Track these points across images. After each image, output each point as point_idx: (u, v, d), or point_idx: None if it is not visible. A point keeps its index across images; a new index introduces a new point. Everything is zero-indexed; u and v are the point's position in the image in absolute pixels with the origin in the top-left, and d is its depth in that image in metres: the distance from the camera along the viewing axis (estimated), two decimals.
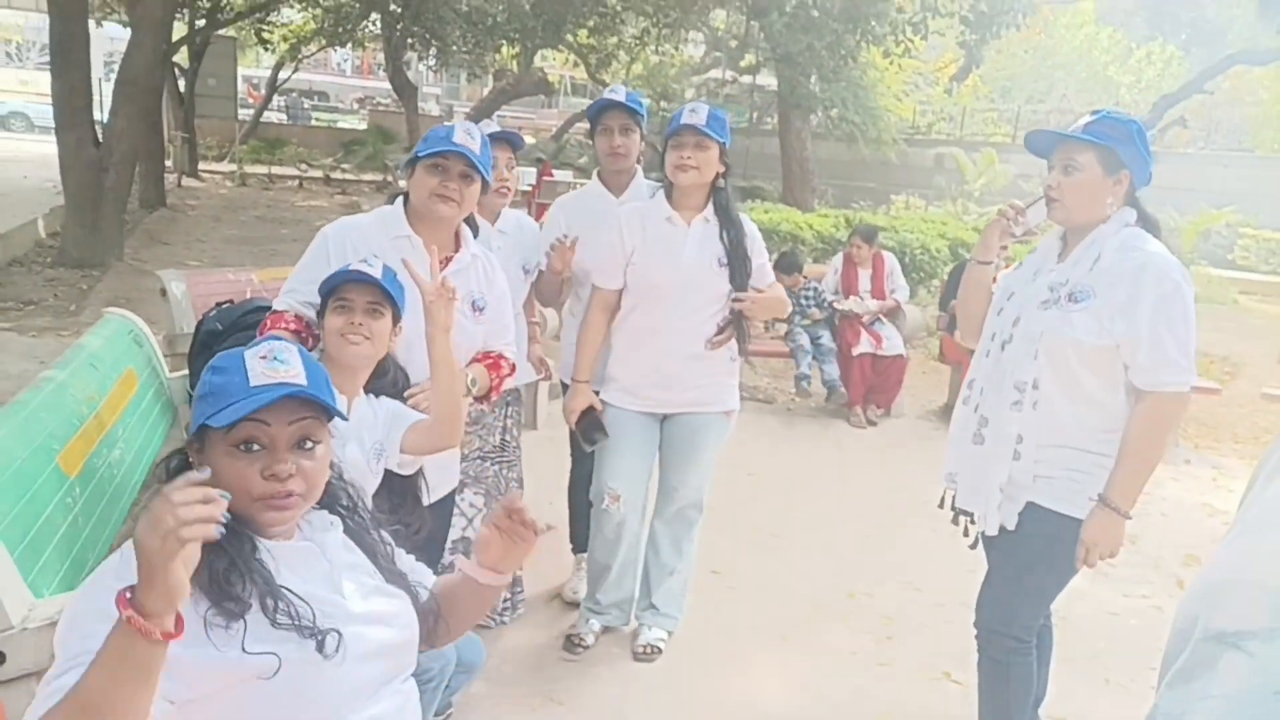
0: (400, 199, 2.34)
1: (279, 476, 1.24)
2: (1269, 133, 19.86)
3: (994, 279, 2.43)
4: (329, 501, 1.40)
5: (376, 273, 2.02)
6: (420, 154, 2.23)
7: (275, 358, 1.27)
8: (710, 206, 2.74)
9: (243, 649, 1.18)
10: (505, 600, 3.07)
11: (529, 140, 21.97)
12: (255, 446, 1.24)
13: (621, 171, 3.05)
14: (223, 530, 1.05)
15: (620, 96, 3.00)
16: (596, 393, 2.90)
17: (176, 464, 1.30)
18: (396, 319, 2.06)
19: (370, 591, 1.37)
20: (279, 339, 1.37)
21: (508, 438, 3.00)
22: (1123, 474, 2.11)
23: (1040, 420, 2.17)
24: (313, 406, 1.28)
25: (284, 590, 1.23)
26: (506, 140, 2.91)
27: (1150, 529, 4.41)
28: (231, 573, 1.20)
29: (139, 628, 0.99)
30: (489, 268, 2.41)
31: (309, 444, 1.29)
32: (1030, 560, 2.23)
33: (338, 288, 2.02)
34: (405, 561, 1.52)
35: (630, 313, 2.81)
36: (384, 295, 2.02)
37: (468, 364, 2.33)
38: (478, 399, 2.39)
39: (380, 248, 2.22)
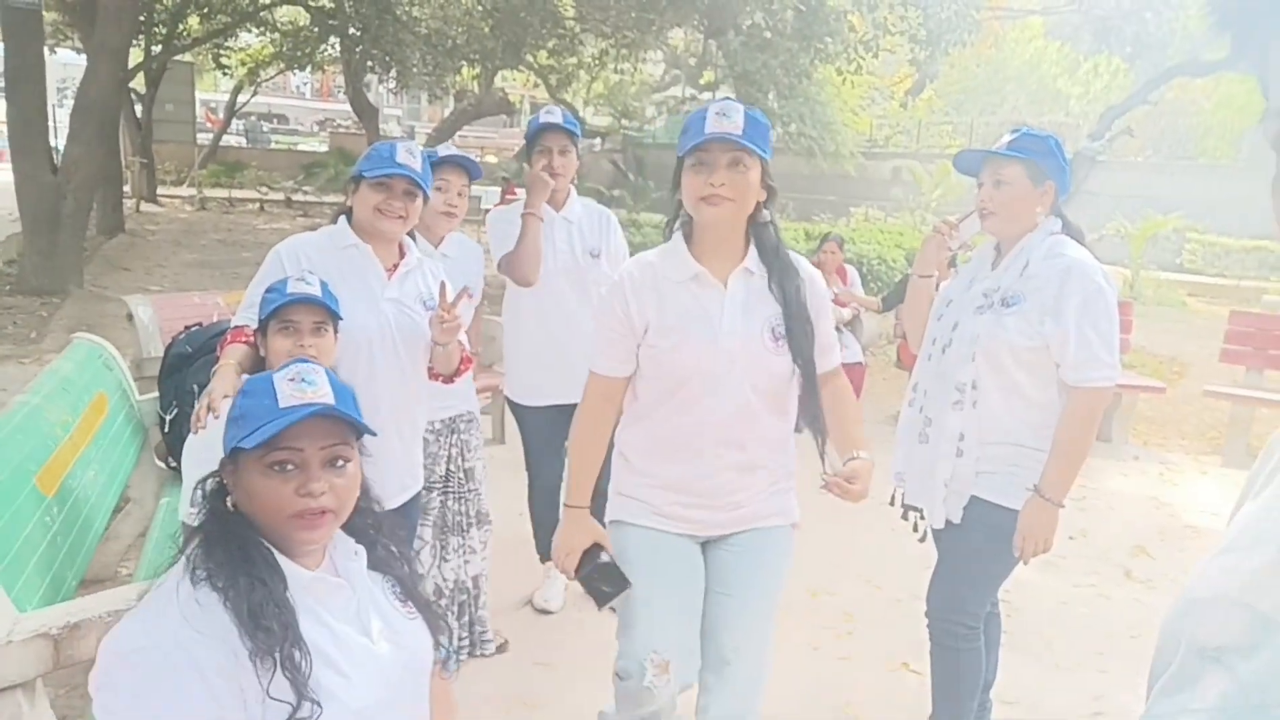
0: (344, 215, 2.44)
1: (313, 494, 1.29)
2: (1211, 141, 20.50)
3: (936, 288, 2.58)
4: (355, 525, 1.43)
5: (317, 290, 2.05)
6: (366, 174, 2.32)
7: (304, 379, 1.32)
8: (752, 251, 1.95)
9: (268, 693, 1.19)
10: (463, 639, 2.98)
11: (491, 159, 22.05)
12: (289, 467, 1.29)
13: (559, 190, 3.13)
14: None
15: (557, 118, 3.08)
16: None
17: (213, 486, 1.34)
18: (336, 331, 2.12)
19: (394, 627, 1.41)
20: (306, 362, 1.40)
21: (453, 467, 2.92)
22: (1055, 466, 2.24)
23: (980, 418, 2.30)
24: (342, 429, 1.34)
25: (301, 641, 1.24)
26: (462, 165, 2.84)
27: (1099, 522, 4.58)
28: (267, 605, 1.23)
29: None
30: (435, 271, 2.52)
31: (340, 463, 1.34)
32: (975, 550, 2.36)
33: (280, 310, 2.04)
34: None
35: (651, 411, 1.99)
36: (327, 312, 2.07)
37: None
38: (445, 379, 2.48)
39: (332, 258, 2.34)
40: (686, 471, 1.98)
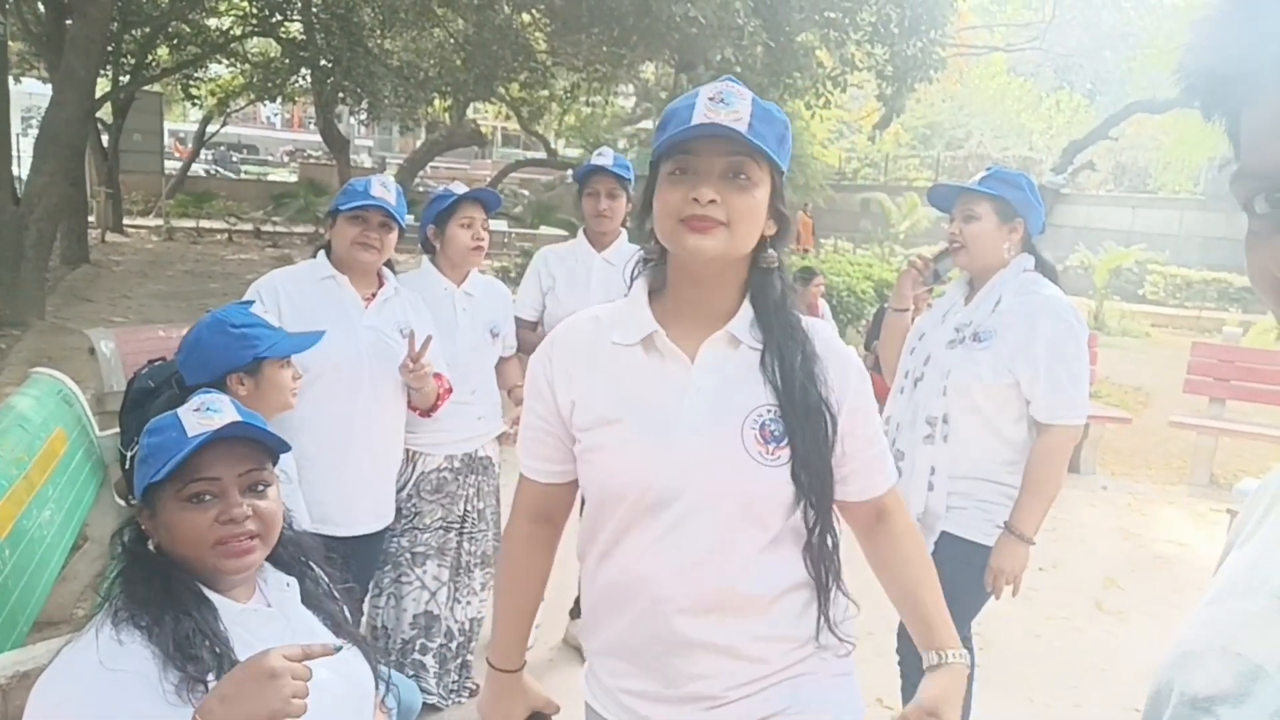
0: (323, 250, 2.52)
1: (236, 520, 1.27)
2: (1170, 175, 21.03)
3: (911, 322, 2.60)
4: (284, 557, 1.41)
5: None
6: (341, 208, 2.41)
7: (208, 408, 1.31)
8: (745, 310, 1.29)
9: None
10: (455, 683, 2.93)
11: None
12: (207, 497, 1.27)
13: (605, 233, 3.12)
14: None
15: (608, 161, 3.06)
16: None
17: (130, 537, 1.31)
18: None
19: (333, 658, 1.39)
20: (210, 392, 1.42)
21: (469, 508, 2.89)
22: (1026, 503, 2.25)
23: (951, 452, 2.31)
24: (258, 454, 1.32)
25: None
26: (481, 200, 2.82)
27: (1070, 553, 4.61)
28: (195, 636, 1.20)
29: None
30: (414, 302, 2.60)
31: (260, 487, 1.32)
32: (946, 586, 2.34)
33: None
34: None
35: (592, 540, 1.35)
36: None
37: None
38: (423, 412, 2.53)
39: (309, 290, 2.43)
40: (630, 632, 1.30)
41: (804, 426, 1.24)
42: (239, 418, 1.31)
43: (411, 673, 2.79)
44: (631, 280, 1.35)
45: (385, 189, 2.42)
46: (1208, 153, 16.47)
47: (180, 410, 1.32)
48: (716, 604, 1.26)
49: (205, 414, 1.30)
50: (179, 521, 1.26)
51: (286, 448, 1.38)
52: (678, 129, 1.20)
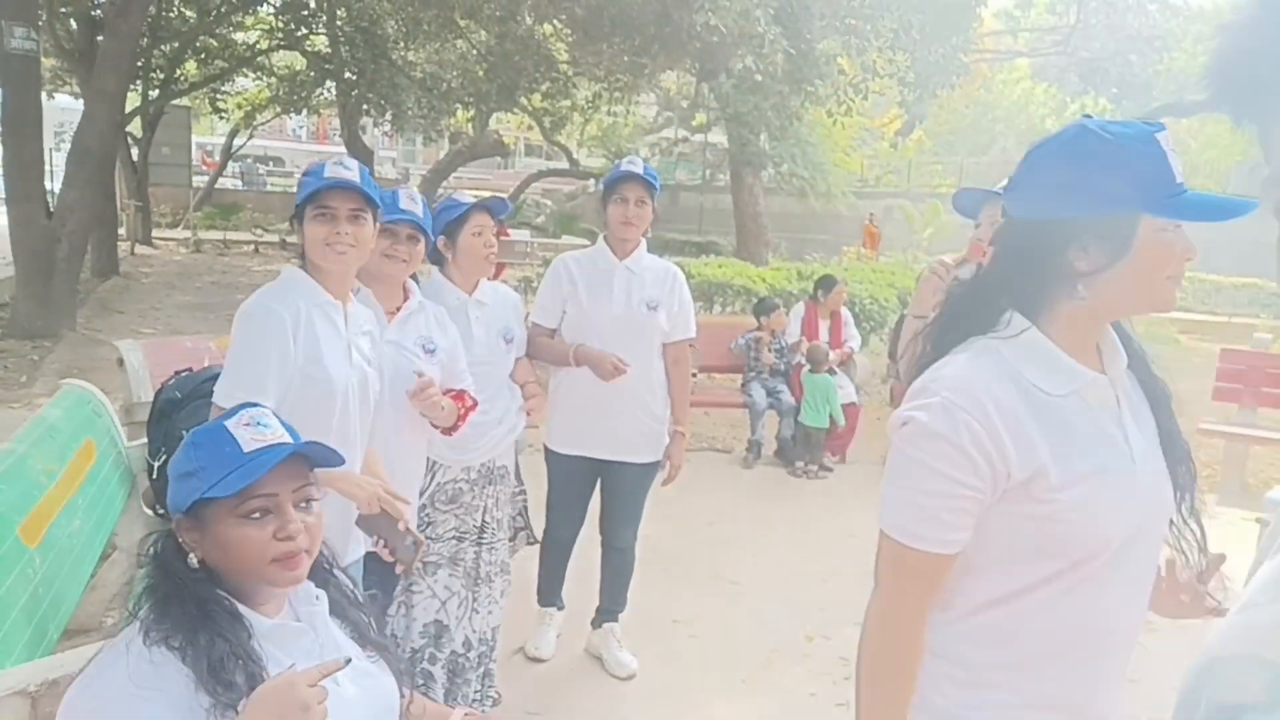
0: None
1: (292, 536, 1.28)
2: (1198, 180, 20.77)
3: None
4: (312, 568, 1.42)
5: (354, 176, 1.99)
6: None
7: (258, 423, 1.32)
8: (1114, 340, 1.32)
9: None
10: (477, 692, 2.92)
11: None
12: (263, 514, 1.28)
13: (629, 240, 3.11)
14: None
15: (638, 169, 3.04)
16: None
17: (164, 546, 1.31)
18: (377, 221, 2.09)
19: (360, 673, 1.39)
20: (255, 405, 1.41)
21: (488, 518, 2.88)
22: None
23: None
24: (305, 469, 1.34)
25: None
26: (488, 209, 2.83)
27: None
28: (229, 660, 1.21)
29: None
30: (439, 316, 2.58)
31: (310, 503, 1.34)
32: None
33: (316, 195, 1.98)
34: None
35: (1011, 597, 1.24)
36: (365, 200, 2.01)
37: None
38: (446, 430, 2.50)
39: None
40: (1065, 685, 1.25)
41: (1175, 444, 1.31)
42: (288, 436, 1.33)
43: (421, 682, 2.80)
44: (1005, 323, 1.26)
45: (413, 201, 2.43)
46: (1236, 156, 16.26)
47: (228, 424, 1.31)
48: (1133, 642, 1.30)
49: (256, 429, 1.31)
50: (237, 538, 1.27)
51: (340, 461, 1.39)
52: (1184, 193, 1.21)
